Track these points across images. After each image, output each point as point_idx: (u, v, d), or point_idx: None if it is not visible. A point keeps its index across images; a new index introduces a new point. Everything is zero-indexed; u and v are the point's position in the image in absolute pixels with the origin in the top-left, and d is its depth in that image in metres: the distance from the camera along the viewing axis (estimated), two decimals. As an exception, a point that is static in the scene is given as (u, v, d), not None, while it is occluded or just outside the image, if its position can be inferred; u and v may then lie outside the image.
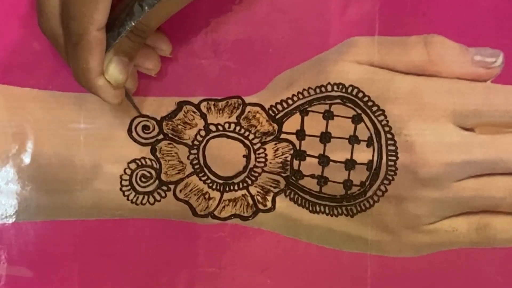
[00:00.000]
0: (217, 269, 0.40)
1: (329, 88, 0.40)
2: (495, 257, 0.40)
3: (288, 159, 0.40)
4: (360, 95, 0.39)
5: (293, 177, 0.40)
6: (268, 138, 0.40)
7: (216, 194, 0.40)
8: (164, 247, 0.40)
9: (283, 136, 0.40)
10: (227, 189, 0.40)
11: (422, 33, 0.40)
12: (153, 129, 0.40)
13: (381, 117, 0.39)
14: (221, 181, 0.40)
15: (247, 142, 0.40)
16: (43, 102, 0.40)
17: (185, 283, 0.40)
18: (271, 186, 0.40)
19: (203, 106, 0.40)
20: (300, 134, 0.40)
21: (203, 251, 0.40)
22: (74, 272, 0.40)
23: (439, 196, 0.39)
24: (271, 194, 0.40)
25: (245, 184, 0.40)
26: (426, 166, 0.39)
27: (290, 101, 0.40)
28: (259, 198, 0.40)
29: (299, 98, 0.40)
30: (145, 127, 0.40)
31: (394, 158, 0.39)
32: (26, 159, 0.40)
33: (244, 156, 0.40)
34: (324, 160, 0.40)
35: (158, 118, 0.40)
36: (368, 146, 0.40)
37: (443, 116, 0.39)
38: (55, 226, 0.40)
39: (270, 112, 0.40)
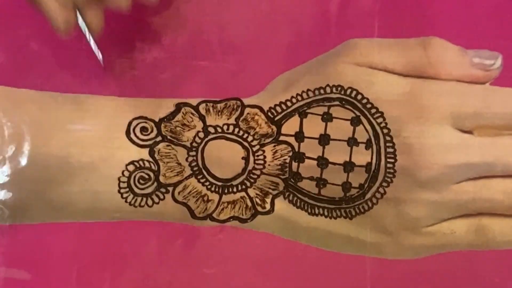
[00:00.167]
0: (216, 270, 0.40)
1: (328, 90, 0.39)
2: (493, 259, 0.40)
3: (287, 161, 0.40)
4: (359, 97, 0.39)
5: (292, 179, 0.40)
6: (267, 140, 0.40)
7: (214, 196, 0.40)
8: (163, 250, 0.40)
9: (282, 138, 0.40)
10: (226, 191, 0.40)
11: (421, 35, 0.40)
12: (152, 131, 0.40)
13: (380, 119, 0.39)
14: (219, 183, 0.40)
15: (246, 144, 0.39)
16: (40, 103, 0.40)
17: (185, 285, 0.40)
18: (270, 188, 0.40)
19: (202, 108, 0.39)
20: (299, 136, 0.40)
21: (202, 253, 0.40)
22: (72, 275, 0.40)
23: (438, 198, 0.39)
24: (270, 196, 0.40)
25: (243, 186, 0.40)
26: (425, 168, 0.39)
27: (289, 103, 0.40)
28: (258, 200, 0.40)
29: (298, 100, 0.40)
30: (143, 129, 0.40)
31: (392, 160, 0.39)
32: (23, 160, 0.39)
33: (243, 158, 0.40)
34: (323, 162, 0.39)
35: (157, 120, 0.39)
36: (366, 148, 0.39)
37: (442, 118, 0.39)
38: (53, 229, 0.40)
39: (269, 114, 0.40)
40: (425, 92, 0.39)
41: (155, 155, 0.40)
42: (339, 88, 0.39)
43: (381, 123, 0.39)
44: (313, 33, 0.40)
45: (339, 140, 0.39)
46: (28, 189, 0.39)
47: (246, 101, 0.40)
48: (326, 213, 0.40)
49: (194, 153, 0.40)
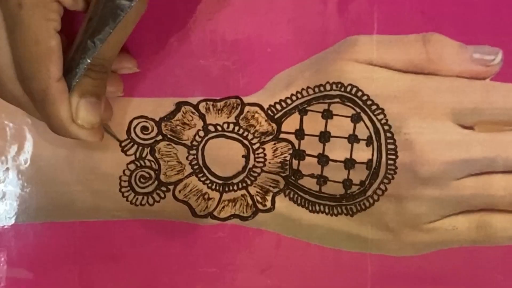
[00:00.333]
0: (217, 269, 0.40)
1: (328, 87, 0.39)
2: (495, 255, 0.40)
3: (287, 158, 0.40)
4: (359, 94, 0.39)
5: (292, 177, 0.40)
6: (267, 138, 0.40)
7: (215, 195, 0.40)
8: (164, 248, 0.40)
9: (282, 136, 0.40)
10: (227, 189, 0.40)
11: (421, 32, 0.39)
12: (152, 130, 0.40)
13: (380, 116, 0.39)
14: (220, 182, 0.40)
15: (246, 142, 0.40)
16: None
17: (185, 283, 0.40)
18: (270, 186, 0.40)
19: (201, 107, 0.40)
20: (299, 133, 0.40)
21: (203, 252, 0.40)
22: (74, 274, 0.40)
23: (439, 194, 0.39)
24: (271, 194, 0.40)
25: (244, 184, 0.40)
26: (426, 164, 0.39)
27: (289, 101, 0.40)
28: (258, 198, 0.40)
29: (298, 98, 0.40)
30: (144, 128, 0.40)
31: (393, 157, 0.39)
32: (25, 160, 0.40)
33: (243, 156, 0.40)
34: (323, 159, 0.39)
35: (157, 119, 0.40)
36: (367, 145, 0.39)
37: (443, 114, 0.39)
38: (54, 228, 0.40)
39: (269, 112, 0.40)
40: (425, 88, 0.39)
41: (156, 154, 0.40)
42: (339, 85, 0.39)
43: (381, 119, 0.39)
44: (312, 31, 0.39)
45: (340, 137, 0.40)
46: (30, 188, 0.40)
47: (246, 99, 0.40)
48: (327, 210, 0.40)
49: (194, 151, 0.40)
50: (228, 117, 0.40)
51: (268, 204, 0.40)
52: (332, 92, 0.39)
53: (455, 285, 0.41)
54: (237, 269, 0.40)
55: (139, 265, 0.40)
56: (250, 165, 0.40)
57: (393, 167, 0.39)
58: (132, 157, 0.40)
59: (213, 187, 0.40)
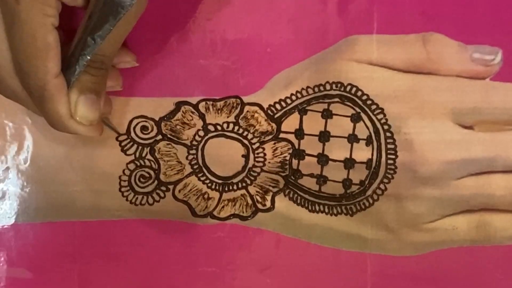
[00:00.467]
0: (217, 269, 0.40)
1: (327, 87, 0.39)
2: (495, 255, 0.40)
3: (287, 158, 0.40)
4: (359, 93, 0.39)
5: (292, 177, 0.40)
6: (267, 138, 0.40)
7: (215, 194, 0.40)
8: (164, 248, 0.40)
9: (282, 135, 0.40)
10: (226, 189, 0.40)
11: (421, 31, 0.39)
12: (152, 130, 0.40)
13: (380, 116, 0.39)
14: (220, 181, 0.40)
15: (245, 142, 0.40)
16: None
17: (185, 283, 0.40)
18: (270, 185, 0.40)
19: (201, 106, 0.40)
20: (299, 133, 0.40)
21: (202, 251, 0.40)
22: (73, 273, 0.40)
23: (439, 194, 0.39)
24: (270, 193, 0.40)
25: (244, 184, 0.40)
26: (426, 164, 0.39)
27: (288, 101, 0.40)
28: (258, 197, 0.40)
29: (297, 97, 0.40)
30: (143, 128, 0.40)
31: (393, 156, 0.39)
32: (25, 160, 0.40)
33: (243, 156, 0.40)
34: (323, 159, 0.39)
35: (157, 119, 0.40)
36: (367, 144, 0.39)
37: (442, 114, 0.39)
38: (54, 227, 0.40)
39: (269, 111, 0.40)
40: (425, 88, 0.39)
41: (156, 154, 0.40)
42: (339, 85, 0.39)
43: (381, 119, 0.39)
44: (312, 31, 0.39)
45: (339, 137, 0.40)
46: (30, 188, 0.40)
47: (246, 99, 0.40)
48: (326, 210, 0.40)
49: (194, 151, 0.40)
50: (228, 117, 0.40)
51: (268, 203, 0.40)
52: (332, 92, 0.39)
53: (454, 285, 0.41)
54: (237, 268, 0.40)
55: (139, 264, 0.40)
56: (250, 165, 0.40)
57: (392, 167, 0.39)
58: (132, 157, 0.40)
59: (213, 186, 0.40)
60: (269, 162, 0.40)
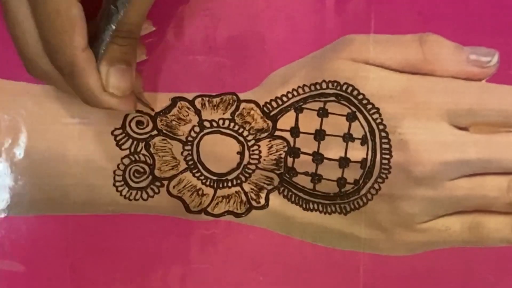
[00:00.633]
0: (210, 265, 0.40)
1: (324, 85, 0.39)
2: (488, 256, 0.40)
3: (282, 156, 0.40)
4: (355, 93, 0.39)
5: (287, 174, 0.40)
6: (262, 135, 0.40)
7: (209, 191, 0.40)
8: (157, 243, 0.40)
9: (277, 133, 0.40)
10: (221, 185, 0.40)
11: (418, 32, 0.40)
12: (147, 125, 0.40)
13: (376, 115, 0.39)
14: (214, 178, 0.40)
15: (241, 138, 0.40)
16: (37, 96, 0.40)
17: (178, 279, 0.40)
18: (264, 183, 0.40)
19: (197, 102, 0.39)
20: (295, 131, 0.40)
21: (196, 248, 0.40)
22: (66, 267, 0.40)
23: (433, 195, 0.39)
24: (265, 191, 0.40)
25: (238, 181, 0.40)
26: (420, 165, 0.39)
27: (284, 98, 0.40)
28: (252, 195, 0.40)
29: (294, 95, 0.40)
30: (139, 123, 0.40)
31: (388, 156, 0.39)
32: (19, 153, 0.40)
33: (238, 152, 0.40)
34: (318, 157, 0.39)
35: (152, 114, 0.40)
36: (362, 144, 0.39)
37: (438, 115, 0.39)
38: (47, 221, 0.40)
39: (265, 109, 0.40)
40: (421, 88, 0.39)
41: (151, 149, 0.40)
42: (335, 84, 0.39)
43: (377, 119, 0.39)
44: (310, 29, 0.39)
45: (335, 135, 0.40)
46: (24, 181, 0.40)
47: (242, 96, 0.40)
48: (320, 209, 0.40)
49: (189, 147, 0.40)
50: (223, 113, 0.39)
51: (262, 201, 0.40)
52: (328, 91, 0.40)
53: (446, 285, 0.41)
54: (230, 265, 0.40)
55: (132, 259, 0.40)
56: (245, 162, 0.40)
57: (387, 167, 0.39)
58: (127, 152, 0.40)
59: (208, 183, 0.40)
60: (264, 160, 0.40)
